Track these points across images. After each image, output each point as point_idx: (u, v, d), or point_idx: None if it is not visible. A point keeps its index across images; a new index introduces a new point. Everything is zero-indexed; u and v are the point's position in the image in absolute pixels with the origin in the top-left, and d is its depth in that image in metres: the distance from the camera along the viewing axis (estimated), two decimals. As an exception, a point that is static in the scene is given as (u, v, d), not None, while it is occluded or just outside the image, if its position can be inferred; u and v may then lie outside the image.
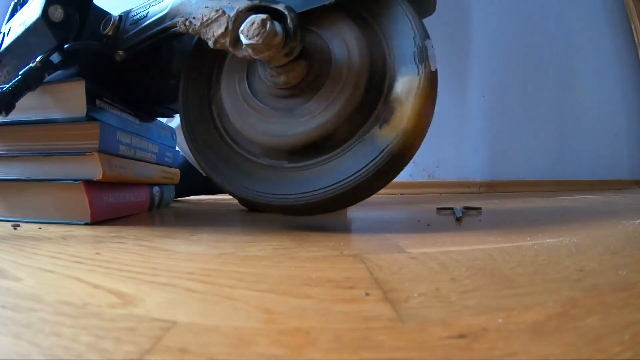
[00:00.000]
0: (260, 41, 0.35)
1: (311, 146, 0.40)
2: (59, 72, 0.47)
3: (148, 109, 0.59)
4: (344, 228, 0.43)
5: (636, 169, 1.56)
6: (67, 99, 0.46)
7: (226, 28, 0.38)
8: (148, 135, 0.60)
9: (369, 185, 0.37)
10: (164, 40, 0.45)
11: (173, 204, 0.76)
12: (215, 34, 0.38)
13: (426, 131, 0.39)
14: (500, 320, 0.15)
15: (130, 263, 0.25)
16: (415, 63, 0.37)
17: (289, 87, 0.40)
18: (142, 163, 0.57)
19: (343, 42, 0.39)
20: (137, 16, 0.46)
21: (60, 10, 0.44)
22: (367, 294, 0.18)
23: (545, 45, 1.49)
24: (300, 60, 0.39)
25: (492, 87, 1.45)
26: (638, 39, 1.53)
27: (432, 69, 0.37)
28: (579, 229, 0.38)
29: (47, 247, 0.30)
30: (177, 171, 0.71)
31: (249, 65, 0.44)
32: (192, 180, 0.84)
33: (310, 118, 0.39)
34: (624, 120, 1.57)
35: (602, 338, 0.13)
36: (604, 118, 1.54)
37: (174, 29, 0.43)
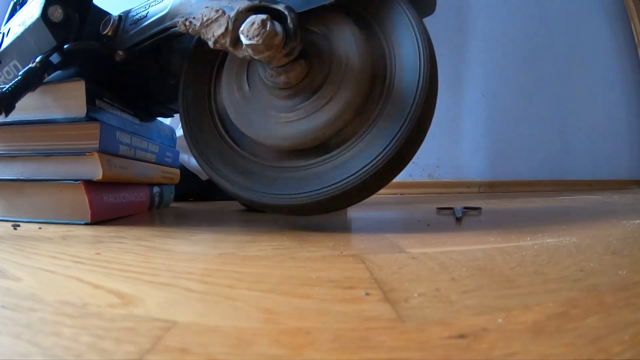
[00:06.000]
0: (260, 41, 0.35)
1: (311, 146, 0.40)
2: (59, 72, 0.47)
3: (148, 109, 0.59)
4: (344, 228, 0.43)
5: (636, 169, 1.56)
6: (67, 99, 0.46)
7: (226, 28, 0.38)
8: (148, 135, 0.60)
9: (370, 185, 0.37)
10: (163, 41, 0.45)
11: (173, 204, 0.76)
12: (215, 34, 0.38)
13: (427, 131, 0.39)
14: (500, 320, 0.15)
15: (130, 263, 0.25)
16: (416, 62, 0.37)
17: (289, 87, 0.40)
18: (142, 163, 0.57)
19: (343, 42, 0.39)
20: (137, 16, 0.46)
21: (59, 11, 0.44)
22: (367, 294, 0.18)
23: (545, 46, 1.49)
24: (300, 60, 0.39)
25: (492, 87, 1.44)
26: (638, 39, 1.53)
27: (432, 68, 0.37)
28: (579, 229, 0.38)
29: (47, 247, 0.30)
30: (177, 171, 0.71)
31: (248, 66, 0.44)
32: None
33: (311, 118, 0.39)
34: (624, 120, 1.57)
35: (602, 338, 0.13)
36: (604, 118, 1.54)
37: (174, 29, 0.43)
